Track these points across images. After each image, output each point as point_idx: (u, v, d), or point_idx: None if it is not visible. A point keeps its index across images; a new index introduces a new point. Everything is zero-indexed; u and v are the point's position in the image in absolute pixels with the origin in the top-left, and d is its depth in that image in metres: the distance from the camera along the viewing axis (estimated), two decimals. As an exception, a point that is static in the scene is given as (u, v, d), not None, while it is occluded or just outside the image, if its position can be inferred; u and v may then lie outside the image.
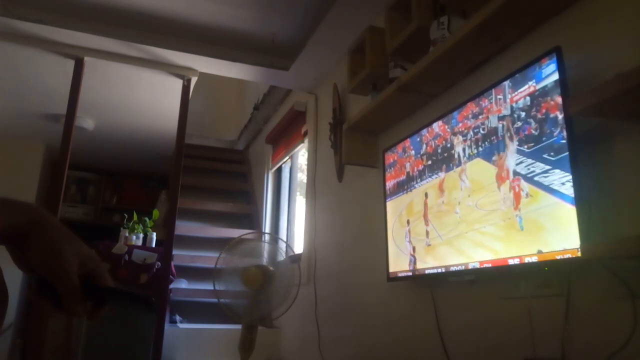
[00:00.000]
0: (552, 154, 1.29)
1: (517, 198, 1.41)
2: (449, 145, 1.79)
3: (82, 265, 0.57)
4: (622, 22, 1.26)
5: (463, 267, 1.59)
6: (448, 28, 1.75)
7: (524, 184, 1.39)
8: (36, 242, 0.54)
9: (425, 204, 1.90)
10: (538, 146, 1.35)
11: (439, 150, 1.84)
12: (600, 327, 1.23)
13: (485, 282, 1.63)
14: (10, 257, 0.56)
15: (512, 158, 1.45)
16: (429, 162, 1.89)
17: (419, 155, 1.97)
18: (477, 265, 1.52)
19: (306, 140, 3.47)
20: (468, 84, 1.81)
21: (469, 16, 1.71)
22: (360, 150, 2.40)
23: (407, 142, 2.06)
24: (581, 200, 1.18)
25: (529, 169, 1.37)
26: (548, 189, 1.29)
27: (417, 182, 1.97)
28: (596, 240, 1.17)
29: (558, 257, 1.23)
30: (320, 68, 3.11)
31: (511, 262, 1.38)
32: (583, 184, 1.20)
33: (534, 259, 1.30)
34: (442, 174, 1.80)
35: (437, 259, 1.76)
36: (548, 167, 1.30)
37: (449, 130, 1.80)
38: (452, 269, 1.64)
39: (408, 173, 2.05)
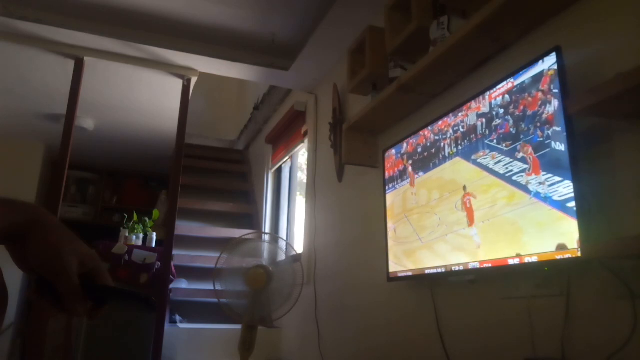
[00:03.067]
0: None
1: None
2: (429, 144, 1.78)
3: (82, 265, 0.57)
4: (622, 22, 1.26)
5: (463, 267, 1.59)
6: (448, 28, 1.74)
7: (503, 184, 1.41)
8: (36, 242, 0.54)
9: (405, 205, 1.91)
10: (514, 145, 1.36)
11: (419, 150, 1.83)
12: (600, 327, 1.23)
13: (485, 282, 1.63)
14: (11, 257, 0.56)
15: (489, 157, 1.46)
16: (410, 162, 1.89)
17: (399, 155, 1.95)
18: (477, 265, 1.52)
19: (306, 140, 3.47)
20: (468, 84, 1.81)
21: (469, 16, 1.71)
22: (360, 150, 2.40)
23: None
24: (581, 201, 1.18)
25: (507, 168, 1.39)
26: (525, 188, 1.32)
27: (398, 183, 1.96)
28: (596, 240, 1.17)
29: (558, 257, 1.23)
30: (320, 68, 3.11)
31: (511, 262, 1.38)
32: (583, 184, 1.20)
33: (534, 259, 1.30)
34: (422, 174, 1.81)
35: (417, 262, 1.80)
36: (525, 165, 1.32)
37: (429, 128, 1.80)
38: (453, 268, 1.64)
39: (387, 174, 2.06)
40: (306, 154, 3.49)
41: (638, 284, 1.12)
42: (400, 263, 1.91)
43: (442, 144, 1.69)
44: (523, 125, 1.34)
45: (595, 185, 1.25)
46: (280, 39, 2.94)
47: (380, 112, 2.18)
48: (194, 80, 3.23)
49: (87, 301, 0.58)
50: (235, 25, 2.83)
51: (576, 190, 1.19)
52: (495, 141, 1.44)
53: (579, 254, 1.16)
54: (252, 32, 2.90)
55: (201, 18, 2.77)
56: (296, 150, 3.85)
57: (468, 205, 1.56)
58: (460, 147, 1.59)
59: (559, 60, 1.28)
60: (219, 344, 3.26)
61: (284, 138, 4.03)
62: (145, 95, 3.60)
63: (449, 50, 1.65)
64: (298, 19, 2.74)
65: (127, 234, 3.51)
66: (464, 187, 1.60)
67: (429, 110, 2.03)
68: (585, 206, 1.18)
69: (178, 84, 3.23)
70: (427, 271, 1.78)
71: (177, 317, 3.56)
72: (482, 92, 1.55)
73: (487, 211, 1.45)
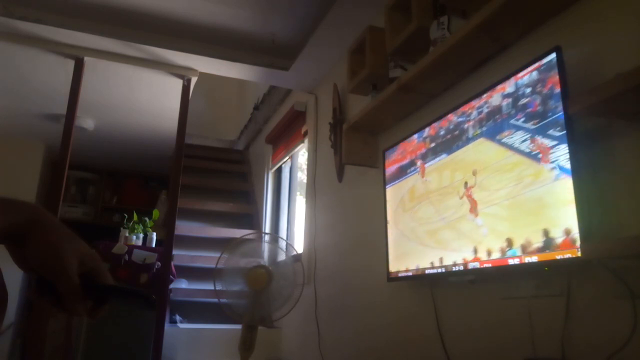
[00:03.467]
0: (558, 129, 1.29)
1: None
2: (452, 126, 1.77)
3: (82, 264, 0.57)
4: (622, 22, 1.26)
5: (462, 267, 1.59)
6: (448, 28, 1.75)
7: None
8: (36, 242, 0.54)
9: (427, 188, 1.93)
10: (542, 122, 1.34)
11: (442, 133, 1.83)
12: (600, 327, 1.23)
13: (485, 282, 1.63)
14: (11, 256, 0.56)
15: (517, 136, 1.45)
16: (432, 145, 1.89)
17: (421, 139, 1.96)
18: (477, 265, 1.52)
19: (306, 140, 3.47)
20: (468, 84, 1.81)
21: (469, 16, 1.71)
22: (360, 150, 2.40)
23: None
24: (581, 199, 1.18)
25: (533, 145, 1.38)
26: (551, 165, 1.30)
27: (418, 167, 1.98)
28: (596, 240, 1.17)
29: (558, 257, 1.23)
30: (320, 68, 3.11)
31: (511, 262, 1.38)
32: (583, 183, 1.20)
33: (534, 258, 1.30)
34: (444, 156, 1.80)
35: (440, 243, 1.77)
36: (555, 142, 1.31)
37: (452, 113, 1.78)
38: (454, 269, 1.64)
39: (409, 157, 2.06)
40: (306, 154, 3.48)
41: (638, 284, 1.12)
42: (421, 242, 1.88)
43: (466, 126, 1.69)
44: (551, 103, 1.33)
45: (595, 185, 1.25)
46: (280, 39, 2.94)
47: (380, 112, 2.18)
48: (194, 80, 3.23)
49: (87, 301, 0.58)
50: (235, 25, 2.83)
51: (576, 189, 1.19)
52: (522, 120, 1.43)
53: (579, 254, 1.16)
54: (252, 32, 2.90)
55: (201, 18, 2.77)
56: (296, 150, 3.85)
57: (471, 199, 1.57)
58: (484, 128, 1.58)
59: (559, 60, 1.28)
60: (219, 344, 3.26)
61: (284, 138, 4.03)
62: (145, 95, 3.60)
63: (449, 50, 1.65)
64: (298, 19, 2.74)
65: (127, 234, 3.51)
66: (465, 184, 1.60)
67: (429, 110, 2.03)
68: (586, 206, 1.18)
69: (178, 84, 3.23)
70: (427, 271, 1.78)
71: (177, 317, 3.56)
72: (507, 77, 1.51)
73: (511, 189, 1.44)
